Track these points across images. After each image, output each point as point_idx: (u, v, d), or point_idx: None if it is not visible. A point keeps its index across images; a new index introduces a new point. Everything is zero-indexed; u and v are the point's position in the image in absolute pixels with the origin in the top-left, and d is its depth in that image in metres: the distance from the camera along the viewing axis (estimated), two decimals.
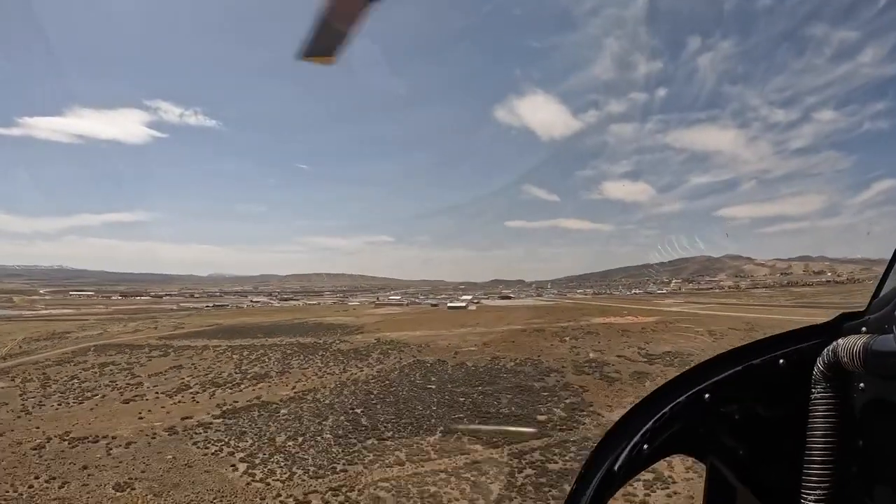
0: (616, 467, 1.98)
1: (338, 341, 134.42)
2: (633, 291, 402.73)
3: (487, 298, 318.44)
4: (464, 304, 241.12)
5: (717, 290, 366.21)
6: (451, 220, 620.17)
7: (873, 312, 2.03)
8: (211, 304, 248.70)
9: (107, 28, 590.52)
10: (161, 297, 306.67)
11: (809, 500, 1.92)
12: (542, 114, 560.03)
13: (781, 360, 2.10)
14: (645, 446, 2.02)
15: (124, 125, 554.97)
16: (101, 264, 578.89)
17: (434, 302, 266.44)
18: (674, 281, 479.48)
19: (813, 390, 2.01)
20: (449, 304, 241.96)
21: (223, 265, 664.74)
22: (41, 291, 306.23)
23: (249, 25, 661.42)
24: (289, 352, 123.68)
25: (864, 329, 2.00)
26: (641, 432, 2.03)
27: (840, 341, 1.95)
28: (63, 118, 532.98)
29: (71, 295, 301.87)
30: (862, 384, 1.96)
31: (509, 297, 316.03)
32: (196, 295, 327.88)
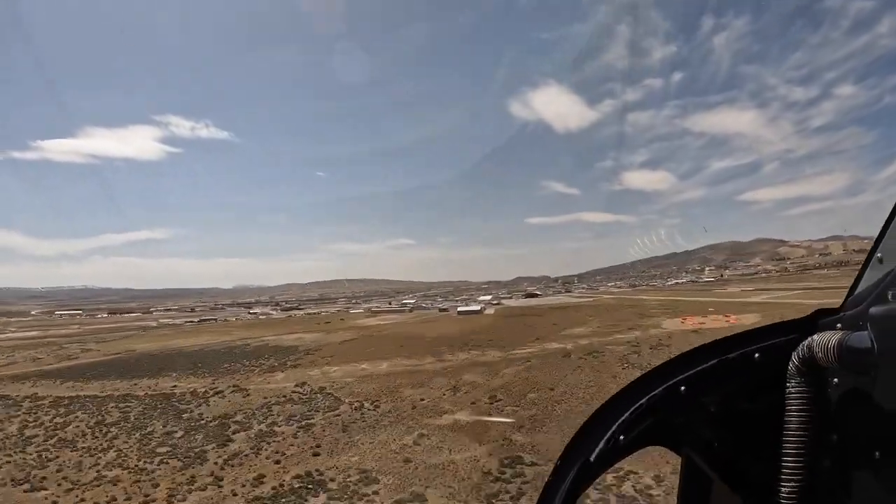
0: (592, 458, 1.90)
1: (231, 389, 73.20)
2: (675, 281, 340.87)
3: (510, 297, 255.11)
4: (478, 308, 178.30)
5: (766, 275, 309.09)
6: (472, 220, 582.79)
7: (848, 309, 1.96)
8: (197, 320, 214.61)
9: (108, 44, 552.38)
10: (151, 312, 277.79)
11: (784, 492, 1.87)
12: (557, 106, 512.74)
13: (757, 355, 2.02)
14: (621, 437, 1.94)
15: (137, 142, 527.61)
16: (125, 282, 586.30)
17: (444, 306, 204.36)
18: (707, 269, 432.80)
19: (788, 384, 1.95)
20: (459, 309, 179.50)
21: (247, 276, 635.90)
22: (33, 312, 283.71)
23: (253, 34, 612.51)
24: (107, 419, 63.04)
25: (839, 325, 1.94)
26: (617, 423, 1.95)
27: (815, 337, 1.89)
28: (75, 139, 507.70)
29: (55, 315, 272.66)
30: (836, 379, 1.89)
31: (535, 295, 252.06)
32: (197, 309, 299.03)
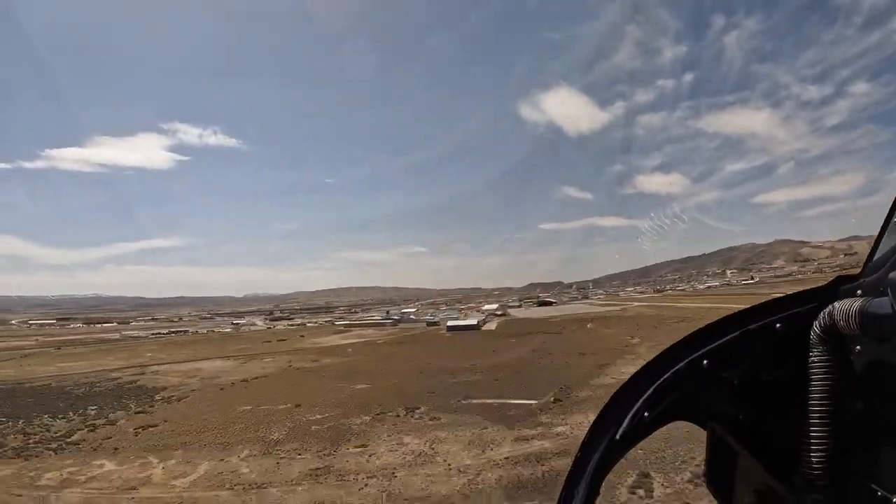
0: (618, 436, 1.84)
1: None
2: (708, 285, 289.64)
3: (520, 306, 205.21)
4: (474, 322, 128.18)
5: (802, 276, 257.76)
6: (484, 227, 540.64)
7: (868, 275, 1.88)
8: (166, 331, 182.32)
9: (113, 52, 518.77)
10: (128, 322, 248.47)
11: (810, 463, 1.81)
12: (568, 108, 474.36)
13: (778, 325, 1.94)
14: (646, 414, 1.88)
15: (145, 151, 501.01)
16: (138, 291, 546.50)
17: (435, 318, 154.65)
18: (728, 271, 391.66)
19: (810, 353, 1.87)
20: (449, 323, 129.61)
21: (259, 285, 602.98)
22: (13, 322, 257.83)
23: (261, 41, 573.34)
24: None
25: (859, 292, 1.85)
26: (642, 400, 1.88)
27: (836, 304, 1.81)
28: (84, 148, 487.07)
29: (28, 325, 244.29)
30: (858, 346, 1.82)
31: (549, 303, 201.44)
32: (185, 319, 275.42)
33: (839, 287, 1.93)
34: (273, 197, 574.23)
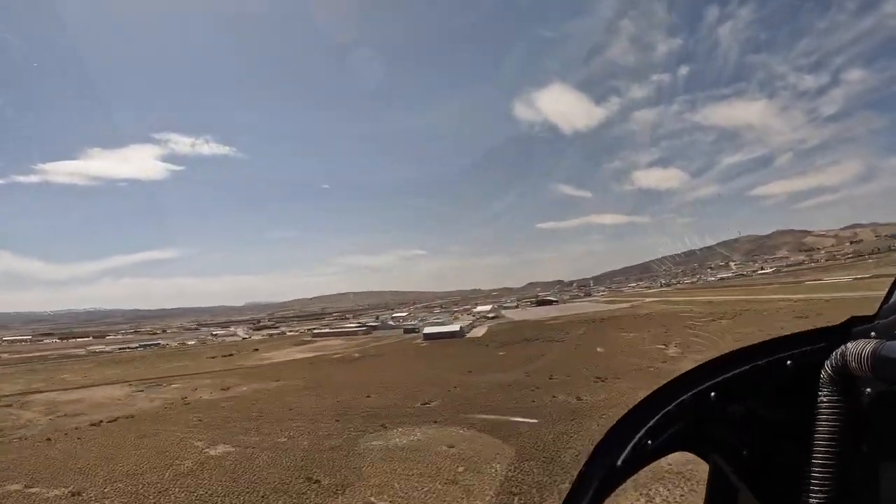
0: (619, 463, 1.75)
1: None
2: (721, 276, 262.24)
3: (517, 306, 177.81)
4: (457, 329, 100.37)
5: (815, 264, 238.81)
6: (483, 228, 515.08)
7: (883, 317, 1.81)
8: (138, 345, 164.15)
9: (102, 62, 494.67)
10: (104, 336, 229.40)
11: (810, 502, 1.74)
12: (563, 105, 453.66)
13: (789, 362, 1.86)
14: (649, 442, 1.78)
15: (138, 162, 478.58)
16: (136, 303, 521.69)
17: (413, 324, 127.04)
18: (732, 263, 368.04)
19: (819, 393, 1.79)
20: (426, 331, 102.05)
21: (257, 293, 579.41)
22: None
23: (247, 46, 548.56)
24: None
25: (873, 334, 1.77)
26: (645, 429, 1.79)
27: (849, 345, 1.72)
28: (77, 161, 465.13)
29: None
30: (869, 389, 1.74)
31: (550, 302, 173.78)
32: (169, 331, 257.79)
33: (852, 327, 1.84)
34: (269, 204, 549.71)
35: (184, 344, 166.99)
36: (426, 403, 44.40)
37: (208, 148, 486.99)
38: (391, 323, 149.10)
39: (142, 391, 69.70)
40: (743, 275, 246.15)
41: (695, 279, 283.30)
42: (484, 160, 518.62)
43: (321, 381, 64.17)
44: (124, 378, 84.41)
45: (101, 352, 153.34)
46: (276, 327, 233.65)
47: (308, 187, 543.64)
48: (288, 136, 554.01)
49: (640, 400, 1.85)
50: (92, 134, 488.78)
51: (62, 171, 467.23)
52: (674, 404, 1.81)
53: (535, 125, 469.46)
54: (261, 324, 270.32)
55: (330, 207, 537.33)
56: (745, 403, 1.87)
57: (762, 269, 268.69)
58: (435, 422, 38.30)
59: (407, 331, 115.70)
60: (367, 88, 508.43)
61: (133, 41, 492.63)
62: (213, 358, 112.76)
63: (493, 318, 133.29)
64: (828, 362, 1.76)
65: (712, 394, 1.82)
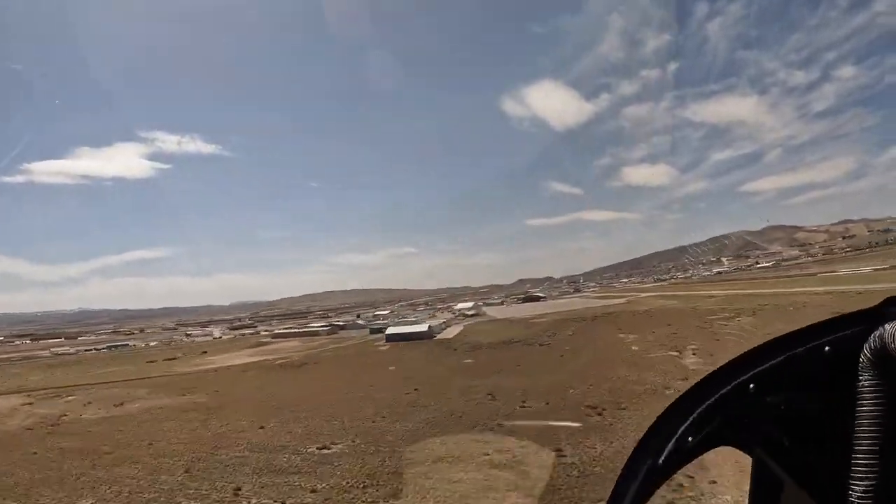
0: (661, 461, 1.71)
1: None
2: (717, 270, 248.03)
3: (502, 303, 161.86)
4: (424, 329, 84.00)
5: (812, 258, 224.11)
6: (473, 225, 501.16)
7: None
8: (105, 347, 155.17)
9: (85, 60, 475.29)
10: (75, 338, 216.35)
11: (857, 491, 1.65)
12: (553, 101, 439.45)
13: (827, 348, 1.78)
14: (689, 439, 1.74)
15: (124, 161, 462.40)
16: (126, 303, 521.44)
17: (380, 325, 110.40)
18: (724, 259, 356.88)
19: (860, 378, 1.70)
20: (389, 331, 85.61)
21: (246, 292, 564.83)
22: None
23: (232, 44, 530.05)
24: None
25: None
26: (686, 425, 1.75)
27: (887, 327, 1.64)
28: (62, 160, 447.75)
29: None
30: None
31: (537, 298, 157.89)
32: (147, 331, 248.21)
33: (889, 308, 1.76)
34: (257, 203, 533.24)
35: (147, 345, 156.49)
36: (324, 448, 28.35)
37: (195, 146, 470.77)
38: (360, 322, 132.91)
39: (31, 403, 54.97)
40: (740, 269, 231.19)
41: (688, 274, 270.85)
42: (473, 157, 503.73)
43: (229, 398, 48.29)
44: (40, 385, 68.90)
45: (63, 353, 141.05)
46: (254, 327, 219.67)
47: (297, 187, 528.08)
48: (275, 134, 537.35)
49: (677, 397, 1.78)
50: (78, 133, 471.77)
51: (48, 170, 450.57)
52: (713, 399, 1.76)
53: (525, 121, 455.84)
54: (238, 324, 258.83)
55: (319, 206, 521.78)
56: (785, 393, 1.79)
57: (757, 263, 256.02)
58: (313, 490, 22.45)
59: (373, 331, 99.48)
60: (355, 87, 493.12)
61: (118, 39, 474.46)
62: (153, 362, 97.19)
63: (472, 315, 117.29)
64: (866, 346, 1.68)
65: (751, 386, 1.76)
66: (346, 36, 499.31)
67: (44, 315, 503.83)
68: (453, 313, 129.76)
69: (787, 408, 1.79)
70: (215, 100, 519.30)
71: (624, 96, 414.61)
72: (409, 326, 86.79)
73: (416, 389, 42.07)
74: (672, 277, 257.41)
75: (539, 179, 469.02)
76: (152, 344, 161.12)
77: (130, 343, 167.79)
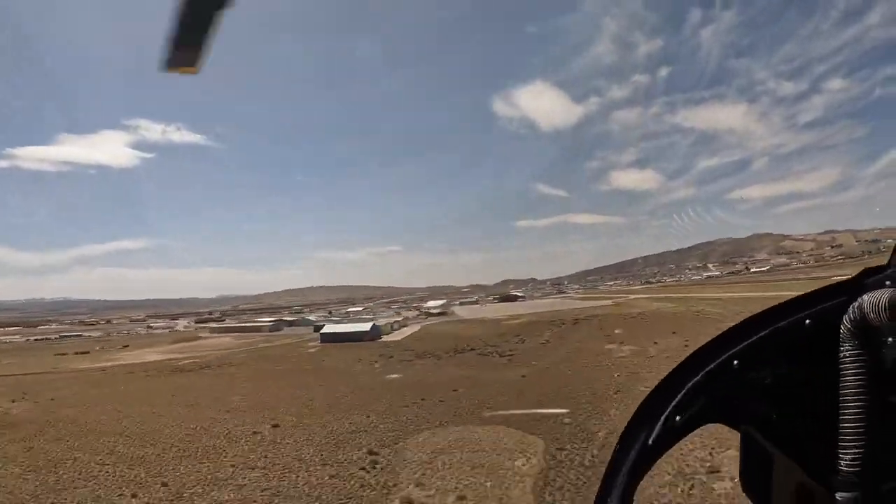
0: (650, 441, 1.69)
1: None
2: (707, 275, 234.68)
3: (475, 302, 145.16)
4: (365, 329, 67.01)
5: (803, 265, 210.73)
6: (459, 225, 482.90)
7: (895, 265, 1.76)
8: (58, 336, 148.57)
9: (72, 45, 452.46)
10: (35, 327, 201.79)
11: (846, 460, 1.64)
12: (542, 102, 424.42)
13: (808, 321, 1.76)
14: (678, 418, 1.72)
15: (108, 148, 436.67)
16: (109, 294, 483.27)
17: (322, 324, 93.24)
18: (711, 264, 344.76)
19: (841, 348, 1.70)
20: (326, 330, 68.56)
21: (231, 286, 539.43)
22: None
23: (224, 31, 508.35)
24: None
25: (888, 283, 1.70)
26: (673, 404, 1.73)
27: (865, 297, 1.64)
28: (46, 147, 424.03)
29: None
30: (890, 338, 1.65)
31: (514, 298, 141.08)
32: (114, 321, 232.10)
33: (867, 279, 1.76)
34: (243, 194, 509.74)
35: (80, 336, 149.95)
36: None
37: (179, 136, 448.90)
38: (311, 318, 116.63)
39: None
40: (734, 273, 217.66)
41: (676, 278, 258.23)
42: (461, 155, 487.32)
43: (54, 414, 31.59)
44: None
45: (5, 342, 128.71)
46: (222, 320, 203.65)
47: (283, 179, 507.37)
48: (261, 127, 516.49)
49: (663, 378, 1.76)
50: (61, 119, 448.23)
51: (32, 156, 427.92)
52: (699, 377, 1.74)
53: (514, 121, 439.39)
54: (207, 316, 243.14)
55: (305, 201, 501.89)
56: (770, 368, 1.78)
57: (748, 268, 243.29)
58: None
59: (318, 328, 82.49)
60: (342, 82, 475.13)
61: (101, 21, 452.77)
62: (63, 355, 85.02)
63: (438, 314, 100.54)
64: (846, 316, 1.68)
65: (735, 362, 1.75)
66: (334, 30, 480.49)
67: (28, 303, 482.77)
68: (422, 311, 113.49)
69: (772, 382, 1.78)
70: (201, 88, 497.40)
71: (614, 100, 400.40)
72: (349, 325, 69.91)
73: (274, 426, 25.33)
74: (659, 281, 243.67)
75: (527, 181, 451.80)
76: (94, 335, 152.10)
77: (85, 334, 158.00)
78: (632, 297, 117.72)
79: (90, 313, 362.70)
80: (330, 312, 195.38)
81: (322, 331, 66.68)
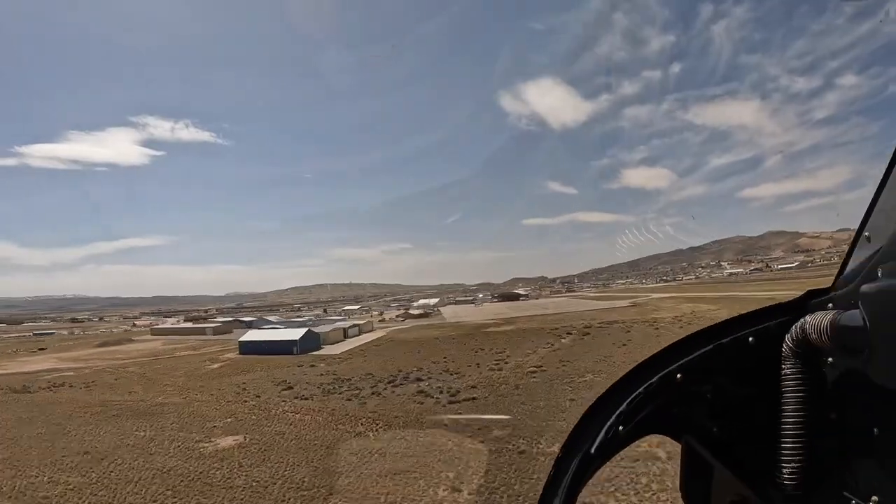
0: (592, 450, 1.71)
1: None
2: (730, 272, 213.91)
3: (471, 301, 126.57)
4: (295, 339, 48.71)
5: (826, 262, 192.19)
6: (469, 223, 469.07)
7: (839, 289, 1.76)
8: (31, 333, 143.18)
9: (80, 42, 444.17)
10: (22, 323, 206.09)
11: (784, 474, 1.68)
12: (552, 99, 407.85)
13: (751, 338, 1.80)
14: (620, 428, 1.74)
15: (117, 146, 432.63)
16: (118, 291, 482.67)
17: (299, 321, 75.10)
18: (725, 263, 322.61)
19: (783, 366, 1.75)
20: (245, 338, 49.79)
21: (241, 284, 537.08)
22: None
23: (232, 31, 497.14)
24: None
25: (830, 305, 1.73)
26: (616, 414, 1.75)
27: (808, 317, 1.69)
28: (54, 144, 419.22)
29: None
30: (830, 359, 1.70)
31: (516, 297, 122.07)
32: (106, 318, 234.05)
33: (810, 300, 1.80)
34: (252, 192, 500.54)
35: (52, 334, 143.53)
36: None
37: (188, 133, 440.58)
38: (271, 319, 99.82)
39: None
40: (760, 270, 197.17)
41: (694, 276, 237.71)
42: (471, 153, 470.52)
43: None
44: None
45: None
46: (214, 317, 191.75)
47: (292, 177, 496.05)
48: (270, 123, 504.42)
49: (607, 388, 1.78)
50: (69, 116, 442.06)
51: (41, 154, 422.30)
52: (642, 388, 1.76)
53: (523, 118, 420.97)
54: (195, 315, 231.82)
55: (314, 198, 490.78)
56: (712, 382, 1.80)
57: (767, 266, 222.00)
58: None
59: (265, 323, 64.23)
60: (350, 78, 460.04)
61: (109, 18, 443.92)
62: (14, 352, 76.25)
63: (419, 315, 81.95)
64: (789, 336, 1.71)
65: (678, 375, 1.76)
66: (346, 30, 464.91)
67: (34, 300, 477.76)
68: (413, 309, 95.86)
69: (714, 396, 1.77)
70: (210, 85, 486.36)
71: (624, 97, 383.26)
72: (277, 333, 51.31)
73: None
74: (673, 279, 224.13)
75: (536, 178, 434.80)
76: (72, 332, 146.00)
77: (58, 332, 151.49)
78: (653, 296, 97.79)
79: (97, 310, 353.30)
80: (325, 311, 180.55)
81: (241, 339, 48.33)
